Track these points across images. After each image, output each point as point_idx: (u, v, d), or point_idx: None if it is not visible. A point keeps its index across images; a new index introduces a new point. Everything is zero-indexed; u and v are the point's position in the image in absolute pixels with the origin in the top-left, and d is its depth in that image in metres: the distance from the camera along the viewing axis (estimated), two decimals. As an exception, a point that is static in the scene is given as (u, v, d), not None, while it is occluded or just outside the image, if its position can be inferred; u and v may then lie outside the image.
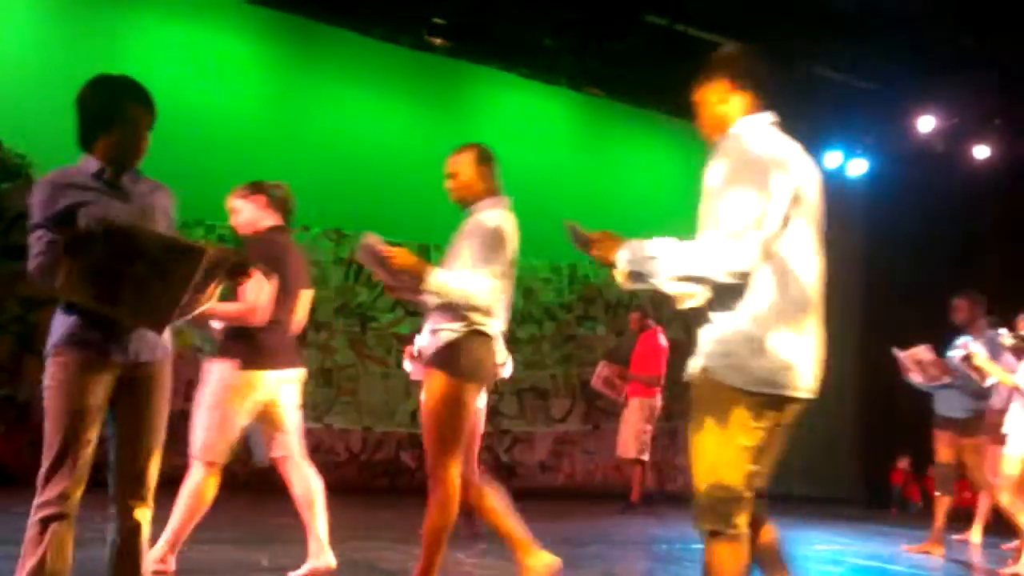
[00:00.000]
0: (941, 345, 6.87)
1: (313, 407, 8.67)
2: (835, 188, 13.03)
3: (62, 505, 2.67)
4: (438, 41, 9.65)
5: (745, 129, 2.73)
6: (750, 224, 2.51)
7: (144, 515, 2.82)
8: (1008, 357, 6.43)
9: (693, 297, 2.71)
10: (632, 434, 8.28)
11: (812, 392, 2.68)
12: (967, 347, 6.55)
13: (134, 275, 2.65)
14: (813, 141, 11.51)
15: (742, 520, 2.59)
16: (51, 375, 2.74)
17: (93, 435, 2.74)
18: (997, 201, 10.90)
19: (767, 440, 2.63)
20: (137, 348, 2.81)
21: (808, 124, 11.56)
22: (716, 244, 2.53)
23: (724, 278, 2.54)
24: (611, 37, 9.98)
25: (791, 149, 2.71)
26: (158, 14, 8.88)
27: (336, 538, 5.28)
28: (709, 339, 2.67)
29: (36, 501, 2.68)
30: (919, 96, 10.40)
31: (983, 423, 6.82)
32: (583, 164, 10.91)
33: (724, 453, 2.57)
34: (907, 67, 9.78)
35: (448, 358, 3.59)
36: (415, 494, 5.71)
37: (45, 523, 2.65)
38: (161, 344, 2.90)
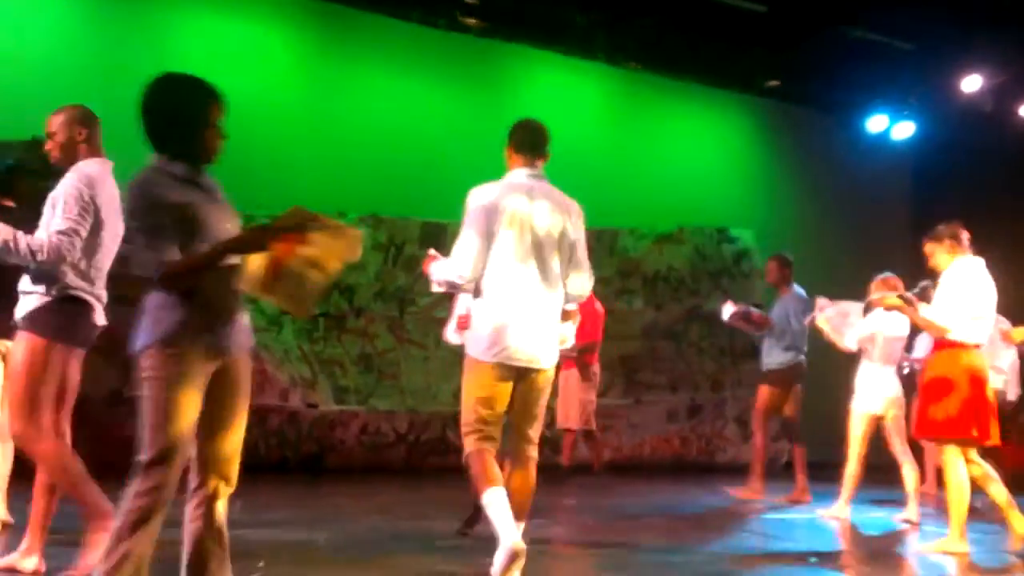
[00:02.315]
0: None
1: (356, 391, 8.74)
2: (881, 152, 12.69)
3: (158, 495, 2.66)
4: (471, 21, 9.61)
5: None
6: (456, 253, 3.81)
7: (227, 496, 2.87)
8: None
9: (465, 290, 3.94)
10: (574, 404, 7.93)
11: (530, 362, 3.79)
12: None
13: (294, 264, 2.76)
14: (858, 105, 11.43)
15: (484, 442, 3.77)
16: (159, 366, 2.68)
17: (193, 427, 2.74)
18: (1048, 160, 10.65)
19: (496, 394, 3.79)
20: (238, 340, 2.84)
21: (852, 88, 11.39)
22: (449, 261, 3.87)
23: (456, 280, 3.83)
24: (643, 10, 9.88)
25: (519, 190, 3.83)
26: (193, 7, 8.97)
27: (394, 515, 5.29)
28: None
29: (132, 490, 2.67)
30: (963, 55, 10.16)
31: (797, 373, 7.18)
32: (622, 137, 10.83)
33: (467, 399, 3.84)
34: (949, 26, 9.55)
35: (36, 321, 3.61)
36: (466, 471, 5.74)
37: (139, 512, 2.65)
38: (249, 333, 2.94)
